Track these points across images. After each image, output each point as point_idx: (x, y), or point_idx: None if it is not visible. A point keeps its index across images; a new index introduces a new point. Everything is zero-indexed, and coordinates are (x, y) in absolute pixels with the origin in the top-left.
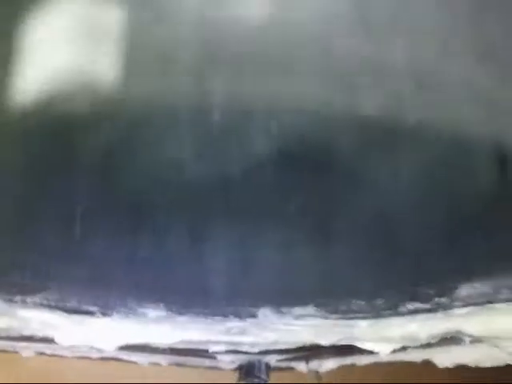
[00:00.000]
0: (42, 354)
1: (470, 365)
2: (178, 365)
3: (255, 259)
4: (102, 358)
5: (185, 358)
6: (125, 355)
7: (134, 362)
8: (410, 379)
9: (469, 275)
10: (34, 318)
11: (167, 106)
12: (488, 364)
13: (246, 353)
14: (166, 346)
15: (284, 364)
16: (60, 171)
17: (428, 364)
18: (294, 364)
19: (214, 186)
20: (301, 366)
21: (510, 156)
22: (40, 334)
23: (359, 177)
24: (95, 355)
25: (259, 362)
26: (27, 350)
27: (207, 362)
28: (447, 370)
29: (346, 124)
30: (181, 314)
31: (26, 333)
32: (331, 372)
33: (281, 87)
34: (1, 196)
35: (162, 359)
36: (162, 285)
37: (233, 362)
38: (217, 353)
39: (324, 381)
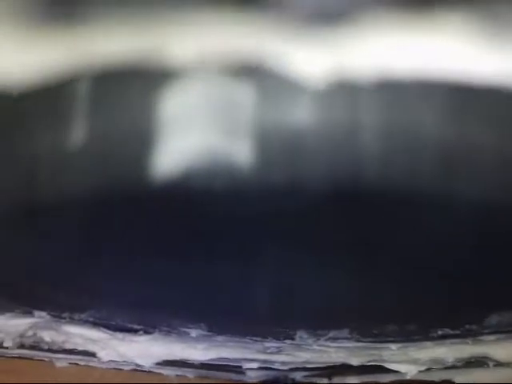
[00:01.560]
0: (76, 364)
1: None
2: (205, 378)
3: (295, 285)
4: (133, 370)
5: (213, 373)
6: (156, 368)
7: (161, 374)
8: None
9: (498, 305)
10: (78, 334)
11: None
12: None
13: (276, 369)
14: (205, 362)
15: (307, 380)
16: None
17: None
18: (316, 379)
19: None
20: (323, 381)
21: None
22: (81, 348)
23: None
24: (127, 367)
25: (285, 377)
26: (62, 361)
27: (234, 376)
28: None
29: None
30: (221, 334)
31: (68, 346)
32: None
33: None
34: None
35: (190, 373)
36: (205, 306)
37: (259, 376)
38: (249, 369)
39: None
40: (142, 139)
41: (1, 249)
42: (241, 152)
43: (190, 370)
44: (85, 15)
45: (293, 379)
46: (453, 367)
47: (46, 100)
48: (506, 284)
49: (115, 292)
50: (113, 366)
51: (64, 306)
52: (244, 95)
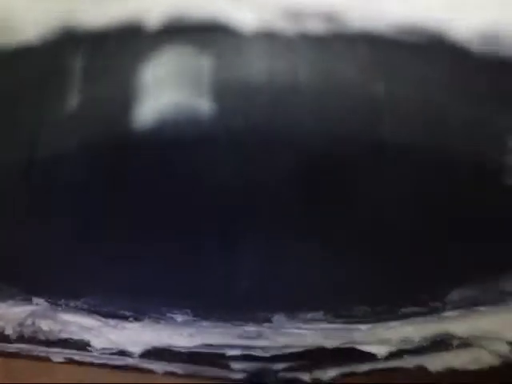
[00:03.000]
0: (70, 360)
1: (458, 368)
2: (193, 375)
3: (273, 271)
4: (124, 367)
5: (200, 368)
6: (145, 363)
7: (152, 371)
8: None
9: (458, 282)
10: (73, 322)
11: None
12: (475, 367)
13: (257, 359)
14: (188, 350)
15: (290, 375)
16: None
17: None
18: (298, 374)
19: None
20: (305, 377)
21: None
22: (76, 337)
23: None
24: (119, 362)
25: (269, 371)
26: (58, 356)
27: (219, 372)
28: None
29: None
30: (205, 319)
31: (64, 336)
32: None
33: None
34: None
35: (179, 368)
36: (190, 292)
37: (244, 370)
38: (232, 358)
39: None
40: (126, 99)
41: (2, 232)
42: (203, 105)
43: (178, 364)
44: None
45: (276, 374)
46: (421, 350)
47: (46, 59)
48: (464, 259)
49: (108, 278)
50: (104, 360)
51: (60, 293)
52: (204, 60)
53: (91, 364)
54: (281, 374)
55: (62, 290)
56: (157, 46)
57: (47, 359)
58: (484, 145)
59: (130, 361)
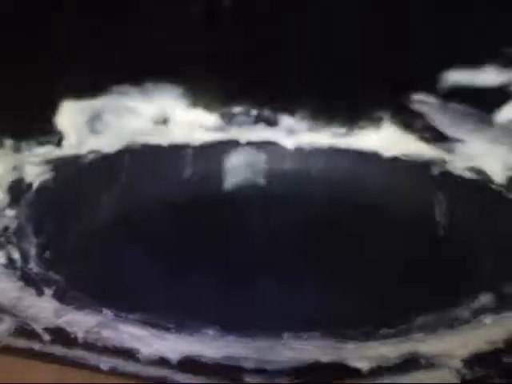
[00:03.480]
0: (115, 369)
1: None
2: None
3: (286, 300)
4: (157, 379)
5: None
6: (175, 375)
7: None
8: None
9: (421, 310)
10: (128, 332)
11: None
12: None
13: (267, 372)
14: (213, 361)
15: None
16: None
17: None
18: None
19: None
20: None
21: None
22: (128, 345)
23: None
24: (155, 374)
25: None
26: (106, 364)
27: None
28: None
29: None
30: (231, 333)
31: (118, 344)
32: None
33: None
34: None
35: (202, 381)
36: (221, 313)
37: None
38: (246, 370)
39: None
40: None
41: (98, 258)
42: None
43: (201, 377)
44: None
45: None
46: (396, 366)
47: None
48: (425, 292)
49: (163, 298)
50: (142, 370)
51: (124, 307)
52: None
53: (129, 375)
54: None
55: (126, 304)
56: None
57: (96, 367)
58: None
59: (164, 372)
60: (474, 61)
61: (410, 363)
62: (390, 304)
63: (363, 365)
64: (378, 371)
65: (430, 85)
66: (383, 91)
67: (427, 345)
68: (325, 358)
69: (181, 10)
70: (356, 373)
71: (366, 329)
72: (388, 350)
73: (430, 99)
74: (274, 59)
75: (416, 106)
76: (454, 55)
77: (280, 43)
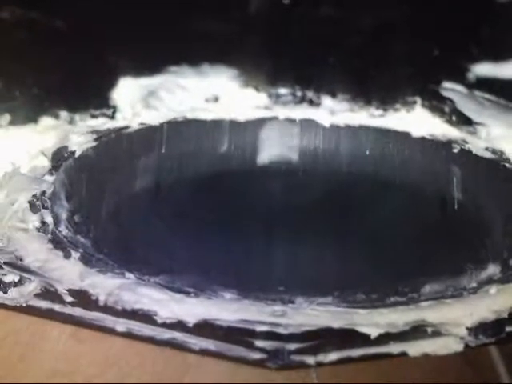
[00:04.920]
0: (130, 332)
1: (431, 354)
2: (224, 355)
3: (299, 265)
4: (170, 342)
5: (229, 346)
6: (189, 338)
7: (189, 349)
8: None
9: (430, 279)
10: (148, 295)
11: None
12: (444, 352)
13: (278, 337)
14: (228, 324)
15: (298, 358)
16: None
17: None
18: (305, 357)
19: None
20: (310, 360)
21: None
22: (146, 307)
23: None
24: (168, 336)
25: (283, 349)
26: (122, 326)
27: (242, 352)
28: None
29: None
30: (246, 297)
31: (136, 306)
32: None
33: None
34: None
35: (213, 345)
36: (238, 276)
37: (264, 349)
38: (258, 334)
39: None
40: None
41: (126, 223)
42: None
43: (213, 341)
44: None
45: (288, 355)
46: (404, 334)
47: None
48: (435, 262)
49: (184, 262)
50: (157, 333)
51: (148, 270)
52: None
53: (142, 338)
54: (291, 357)
55: (149, 268)
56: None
57: (111, 330)
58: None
59: (177, 335)
60: (499, 57)
61: (417, 331)
62: (400, 272)
63: (372, 331)
64: (386, 338)
65: (459, 75)
66: (418, 79)
67: (434, 313)
68: (336, 323)
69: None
70: (365, 339)
71: (376, 296)
72: (397, 317)
73: (459, 87)
74: (320, 47)
75: (446, 93)
76: (481, 51)
77: (326, 32)
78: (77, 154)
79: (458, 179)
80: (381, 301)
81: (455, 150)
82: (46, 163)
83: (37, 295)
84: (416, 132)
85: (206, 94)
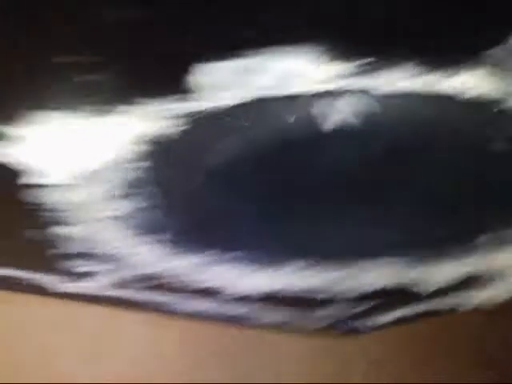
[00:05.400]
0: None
1: (478, 306)
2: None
3: (362, 223)
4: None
5: (290, 313)
6: (250, 311)
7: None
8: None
9: (484, 229)
10: (218, 272)
11: None
12: (491, 302)
13: (334, 305)
14: (294, 295)
15: (356, 323)
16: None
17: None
18: (359, 322)
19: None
20: (368, 323)
21: None
22: (212, 284)
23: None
24: (233, 312)
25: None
26: (190, 306)
27: (301, 315)
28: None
29: None
30: (315, 266)
31: (201, 285)
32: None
33: None
34: None
35: (278, 316)
36: (306, 246)
37: (323, 318)
38: (319, 302)
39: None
40: None
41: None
42: None
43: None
44: None
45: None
46: (457, 286)
47: None
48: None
49: (256, 236)
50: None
51: (225, 246)
52: None
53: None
54: (350, 322)
55: (227, 244)
56: None
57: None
58: None
59: (241, 310)
60: None
61: (470, 283)
62: (454, 224)
63: (426, 288)
64: (437, 294)
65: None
66: (469, 47)
67: (490, 261)
68: (391, 283)
69: None
70: (417, 296)
71: (430, 248)
72: (451, 269)
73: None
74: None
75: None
76: None
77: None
78: (163, 139)
79: (498, 136)
80: (435, 254)
81: (495, 110)
82: (135, 149)
83: (111, 284)
84: (462, 95)
85: (283, 73)
